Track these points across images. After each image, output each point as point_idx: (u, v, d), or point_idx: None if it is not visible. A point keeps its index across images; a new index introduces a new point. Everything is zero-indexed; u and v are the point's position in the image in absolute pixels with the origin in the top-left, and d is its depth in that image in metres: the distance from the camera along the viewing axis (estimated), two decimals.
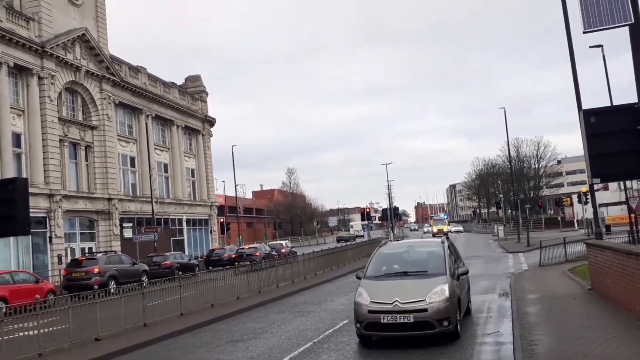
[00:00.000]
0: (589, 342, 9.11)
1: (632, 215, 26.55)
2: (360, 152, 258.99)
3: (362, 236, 79.93)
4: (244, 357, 10.62)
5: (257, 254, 37.42)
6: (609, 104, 22.56)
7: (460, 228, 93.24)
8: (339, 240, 72.07)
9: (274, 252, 39.92)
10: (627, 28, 7.26)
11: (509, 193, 74.10)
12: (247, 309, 17.32)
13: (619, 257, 11.49)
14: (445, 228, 71.84)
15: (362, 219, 58.60)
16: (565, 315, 11.76)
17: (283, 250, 42.27)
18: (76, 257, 30.49)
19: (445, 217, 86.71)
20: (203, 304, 17.56)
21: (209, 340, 12.72)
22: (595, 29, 6.80)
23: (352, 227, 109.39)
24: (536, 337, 9.83)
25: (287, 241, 51.93)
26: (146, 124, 44.44)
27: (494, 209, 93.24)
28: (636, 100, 7.81)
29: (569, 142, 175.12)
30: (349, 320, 13.93)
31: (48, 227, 32.94)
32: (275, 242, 50.89)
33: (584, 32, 6.93)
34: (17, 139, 32.14)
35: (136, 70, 44.93)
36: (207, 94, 56.60)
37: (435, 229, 71.12)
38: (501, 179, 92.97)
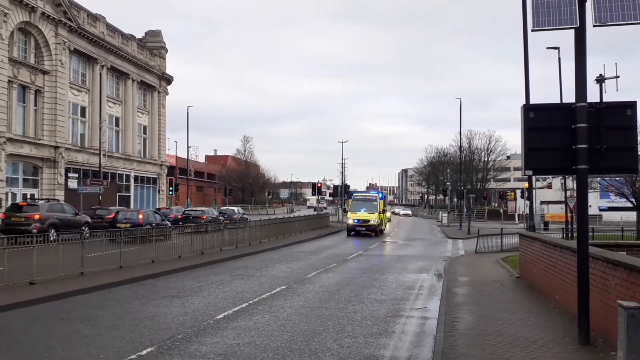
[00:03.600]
0: (507, 323, 9.71)
1: (570, 214, 27.83)
2: (319, 128, 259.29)
3: (326, 208, 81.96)
4: (178, 312, 10.79)
5: (204, 217, 37.82)
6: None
7: (409, 212, 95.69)
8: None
9: (221, 217, 40.16)
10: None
11: (457, 182, 75.92)
12: (187, 268, 17.45)
13: (547, 249, 12.19)
14: (373, 218, 37.65)
15: (313, 193, 58.84)
16: (490, 298, 12.42)
17: (235, 217, 42.59)
18: (17, 202, 29.65)
19: (378, 195, 42.38)
20: (143, 259, 17.57)
21: (145, 294, 12.82)
22: (543, 28, 7.13)
23: (308, 200, 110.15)
24: (460, 315, 10.39)
25: (239, 208, 52.31)
26: (100, 74, 43.20)
27: (441, 196, 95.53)
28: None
29: (520, 140, 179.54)
30: (286, 286, 14.30)
31: None
32: (227, 208, 51.21)
33: (532, 30, 7.26)
34: None
35: (95, 18, 43.43)
36: (166, 51, 55.35)
37: (352, 220, 38.08)
38: (451, 168, 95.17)
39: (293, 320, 10.21)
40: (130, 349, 7.97)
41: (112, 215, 29.13)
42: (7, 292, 11.75)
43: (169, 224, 29.04)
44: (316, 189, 56.25)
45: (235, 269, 17.98)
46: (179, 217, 37.27)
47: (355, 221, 37.60)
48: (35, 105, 37.09)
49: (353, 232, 37.70)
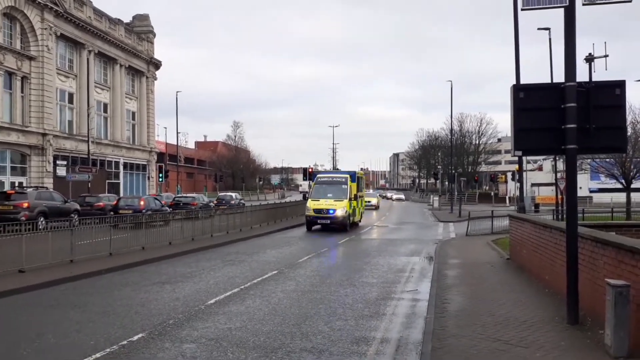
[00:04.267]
0: (498, 303, 9.77)
1: (560, 196, 27.98)
2: (310, 113, 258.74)
3: None
4: (169, 297, 10.77)
5: (195, 203, 37.78)
6: None
7: (402, 196, 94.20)
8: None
9: (211, 203, 40.46)
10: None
11: (448, 166, 76.13)
12: (178, 255, 17.40)
13: (536, 230, 12.24)
14: (341, 207, 27.67)
15: (304, 179, 58.71)
16: (481, 280, 12.49)
17: (232, 202, 43.07)
18: (5, 190, 29.39)
19: (348, 176, 29.65)
20: (134, 246, 17.50)
21: (136, 280, 12.78)
22: (533, 7, 7.09)
23: (300, 186, 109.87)
24: (450, 296, 10.45)
25: (236, 194, 52.88)
26: (88, 60, 42.72)
27: (432, 180, 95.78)
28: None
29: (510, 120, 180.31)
30: (278, 271, 14.30)
31: None
32: (225, 194, 51.39)
33: (522, 9, 7.22)
34: None
35: (81, 2, 42.81)
36: (154, 35, 54.78)
37: (312, 210, 28.11)
38: (442, 151, 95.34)
39: (284, 304, 10.22)
40: (121, 334, 7.95)
41: (101, 204, 29.35)
42: None
43: (169, 209, 29.47)
44: (307, 174, 56.04)
45: (226, 254, 17.95)
46: (170, 203, 37.08)
47: (317, 212, 27.19)
48: (22, 91, 36.65)
49: (315, 227, 27.85)
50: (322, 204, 27.37)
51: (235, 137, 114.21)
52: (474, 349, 7.02)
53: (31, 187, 29.58)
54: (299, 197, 66.19)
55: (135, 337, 7.79)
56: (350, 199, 27.86)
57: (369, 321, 8.95)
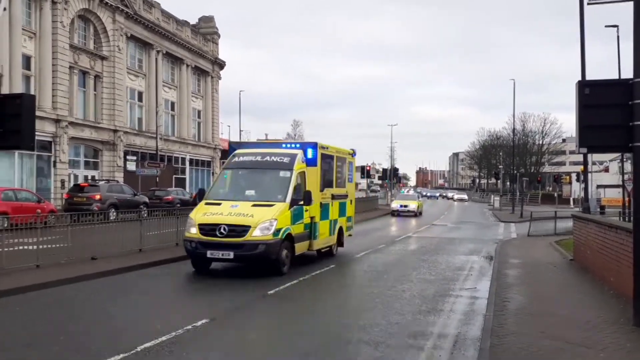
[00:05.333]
0: (559, 304, 9.59)
1: (627, 198, 26.90)
2: (368, 112, 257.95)
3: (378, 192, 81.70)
4: (237, 285, 11.14)
5: None
6: None
7: (465, 196, 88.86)
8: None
9: None
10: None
11: (509, 166, 74.26)
12: None
13: (601, 230, 11.88)
14: (262, 221, 11.84)
15: (362, 176, 58.74)
16: (542, 280, 12.24)
17: None
18: (79, 183, 31.04)
19: (298, 154, 13.69)
20: None
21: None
22: (600, 1, 6.94)
23: (359, 184, 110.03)
24: (511, 295, 10.32)
25: None
26: (156, 60, 44.32)
27: (493, 179, 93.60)
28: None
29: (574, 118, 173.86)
30: (335, 265, 14.47)
31: (53, 152, 33.42)
32: None
33: (588, 4, 7.09)
34: (27, 61, 32.23)
35: (150, 4, 44.46)
36: (219, 36, 56.12)
37: (198, 226, 12.13)
38: (504, 151, 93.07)
39: (342, 297, 10.40)
40: (186, 319, 8.32)
41: (170, 197, 31.32)
42: (72, 267, 12.41)
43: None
44: (365, 172, 56.11)
45: None
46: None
47: (206, 232, 11.99)
48: (95, 90, 38.49)
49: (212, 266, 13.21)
50: (222, 213, 12.31)
51: (295, 135, 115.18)
52: (533, 347, 6.95)
53: (103, 180, 31.08)
54: (358, 195, 66.41)
55: (199, 322, 8.14)
56: (296, 204, 12.86)
57: (427, 316, 8.98)
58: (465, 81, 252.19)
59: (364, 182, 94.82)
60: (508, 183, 77.65)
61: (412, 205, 40.72)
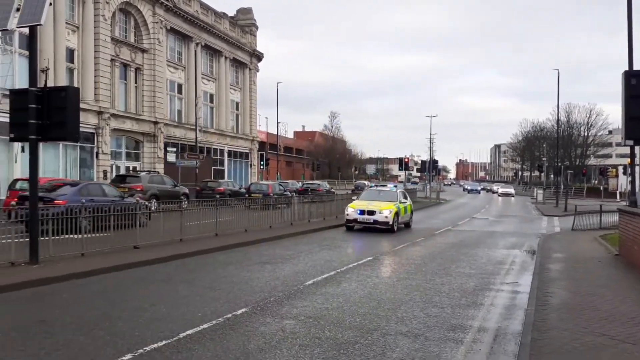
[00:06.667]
0: (603, 299, 9.33)
1: None
2: (407, 103, 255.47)
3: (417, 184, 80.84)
4: (270, 277, 11.25)
5: (320, 189, 45.20)
6: None
7: (511, 190, 77.14)
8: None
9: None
10: None
11: (553, 158, 72.51)
12: (277, 238, 18.03)
13: None
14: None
15: (400, 168, 58.22)
16: (586, 274, 11.94)
17: (320, 189, 47.33)
18: (121, 173, 31.76)
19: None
20: (237, 228, 18.35)
21: (239, 260, 13.45)
22: None
23: (399, 176, 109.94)
24: (553, 290, 10.10)
25: (325, 182, 56.52)
26: (195, 52, 44.87)
27: (536, 172, 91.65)
28: None
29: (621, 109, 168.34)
30: (373, 257, 14.45)
31: (95, 143, 34.26)
32: (311, 182, 55.63)
33: None
34: (70, 54, 33.06)
35: None
36: (257, 28, 56.42)
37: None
38: (547, 143, 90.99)
39: (380, 289, 10.36)
40: (226, 308, 8.44)
41: (222, 189, 33.03)
42: (115, 255, 12.73)
43: (290, 194, 34.99)
44: (403, 164, 55.59)
45: (323, 239, 18.36)
46: (299, 189, 45.53)
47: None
48: (136, 82, 39.23)
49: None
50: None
51: (332, 127, 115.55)
52: (576, 342, 6.80)
53: (144, 171, 31.72)
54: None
55: (239, 311, 8.25)
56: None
57: (466, 310, 8.87)
58: (507, 71, 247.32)
59: (402, 175, 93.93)
60: (552, 176, 75.93)
61: (384, 213, 21.25)
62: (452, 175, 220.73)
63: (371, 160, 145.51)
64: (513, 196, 68.33)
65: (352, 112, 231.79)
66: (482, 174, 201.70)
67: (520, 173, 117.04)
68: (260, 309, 8.51)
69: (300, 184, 55.37)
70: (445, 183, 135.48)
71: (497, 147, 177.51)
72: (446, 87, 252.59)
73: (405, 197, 24.74)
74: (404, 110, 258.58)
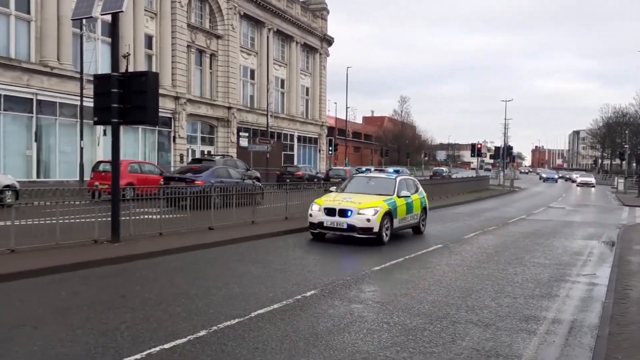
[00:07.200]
0: None
1: None
2: (480, 87, 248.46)
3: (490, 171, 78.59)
4: (338, 261, 11.36)
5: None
6: None
7: (591, 179, 67.41)
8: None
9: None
10: None
11: (636, 145, 68.58)
12: None
13: None
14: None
15: (472, 155, 56.91)
16: None
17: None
18: (197, 157, 32.89)
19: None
20: (305, 212, 18.50)
21: (308, 243, 13.63)
22: None
23: (471, 163, 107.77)
24: (633, 283, 9.65)
25: (405, 168, 56.68)
26: (267, 37, 45.44)
27: (617, 160, 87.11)
28: None
29: None
30: (443, 245, 14.28)
31: (172, 128, 35.53)
32: (394, 168, 56.05)
33: None
34: (149, 40, 34.30)
35: None
36: (327, 12, 56.39)
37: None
38: (630, 129, 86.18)
39: (449, 277, 10.23)
40: (296, 290, 8.61)
41: (300, 173, 34.52)
42: (191, 236, 13.23)
43: (321, 176, 35.67)
44: (475, 150, 54.25)
45: None
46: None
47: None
48: (211, 68, 40.26)
49: None
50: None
51: (401, 112, 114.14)
52: None
53: (218, 155, 32.67)
54: (468, 174, 64.75)
55: (309, 293, 8.40)
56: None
57: (540, 301, 8.63)
58: (587, 53, 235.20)
59: (474, 162, 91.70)
60: (634, 164, 71.93)
61: (365, 214, 13.51)
62: (527, 162, 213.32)
63: (442, 146, 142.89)
64: (593, 186, 63.20)
65: (423, 96, 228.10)
66: (559, 161, 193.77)
67: (599, 161, 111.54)
68: (328, 292, 8.62)
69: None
70: (521, 171, 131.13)
71: (576, 133, 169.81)
72: (522, 70, 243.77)
73: (413, 188, 16.41)
74: (477, 94, 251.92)
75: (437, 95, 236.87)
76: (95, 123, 12.68)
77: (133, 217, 12.72)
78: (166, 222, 13.45)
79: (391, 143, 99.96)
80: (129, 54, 30.37)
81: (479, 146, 55.15)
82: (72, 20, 16.28)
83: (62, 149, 28.82)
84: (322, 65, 55.79)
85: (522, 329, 7.11)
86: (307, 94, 54.33)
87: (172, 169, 33.95)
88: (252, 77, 45.44)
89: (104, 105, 11.64)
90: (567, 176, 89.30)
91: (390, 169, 16.41)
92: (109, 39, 29.55)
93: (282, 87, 49.89)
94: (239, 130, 41.42)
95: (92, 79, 12.74)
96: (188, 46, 37.19)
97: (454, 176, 56.37)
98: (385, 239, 13.79)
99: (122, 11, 11.54)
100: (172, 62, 35.43)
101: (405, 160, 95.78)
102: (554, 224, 21.40)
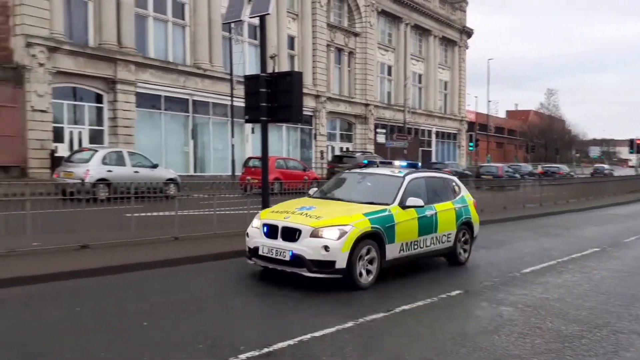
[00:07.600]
0: None
1: None
2: (638, 77, 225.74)
3: None
4: (484, 261, 10.97)
5: (561, 172, 44.98)
6: None
7: None
8: None
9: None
10: None
11: None
12: (491, 222, 17.39)
13: None
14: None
15: (631, 151, 52.01)
16: None
17: (560, 172, 46.57)
18: (337, 154, 33.71)
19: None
20: None
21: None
22: None
23: (629, 160, 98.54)
24: None
25: (564, 166, 54.86)
26: (405, 33, 45.11)
27: None
28: None
29: None
30: (600, 249, 13.24)
31: (314, 125, 36.64)
32: (550, 165, 54.32)
33: None
34: (291, 41, 35.62)
35: None
36: (466, 3, 54.73)
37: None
38: None
39: (608, 283, 9.45)
40: (441, 290, 8.46)
41: (448, 171, 34.48)
42: None
43: (519, 176, 35.01)
44: (634, 145, 49.49)
45: (539, 226, 17.31)
46: (539, 172, 44.31)
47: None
48: (349, 66, 40.87)
49: None
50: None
51: (548, 105, 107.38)
52: None
53: (359, 151, 33.18)
54: (626, 172, 59.14)
55: (454, 293, 8.21)
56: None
57: None
58: None
59: (633, 159, 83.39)
60: None
61: (323, 236, 7.71)
62: None
63: (594, 142, 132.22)
64: None
65: (572, 88, 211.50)
66: None
67: None
68: (475, 292, 8.37)
69: (536, 167, 53.26)
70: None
71: None
72: None
73: (444, 194, 10.45)
74: (636, 85, 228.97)
75: (589, 87, 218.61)
76: (247, 121, 13.35)
77: None
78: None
79: (537, 138, 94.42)
80: (276, 55, 31.75)
81: (638, 142, 50.23)
82: (222, 24, 17.34)
83: (215, 145, 30.98)
84: (461, 58, 54.23)
85: None
86: (445, 89, 53.14)
87: (312, 165, 35.03)
88: (389, 73, 45.38)
89: (253, 105, 12.25)
90: None
91: (404, 163, 9.78)
92: (255, 41, 31.25)
93: (420, 82, 49.25)
94: (376, 126, 41.63)
95: (240, 80, 13.46)
96: (327, 45, 38.05)
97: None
98: (364, 280, 8.15)
99: (268, 13, 12.06)
100: (313, 61, 36.48)
101: (554, 157, 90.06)
102: None
